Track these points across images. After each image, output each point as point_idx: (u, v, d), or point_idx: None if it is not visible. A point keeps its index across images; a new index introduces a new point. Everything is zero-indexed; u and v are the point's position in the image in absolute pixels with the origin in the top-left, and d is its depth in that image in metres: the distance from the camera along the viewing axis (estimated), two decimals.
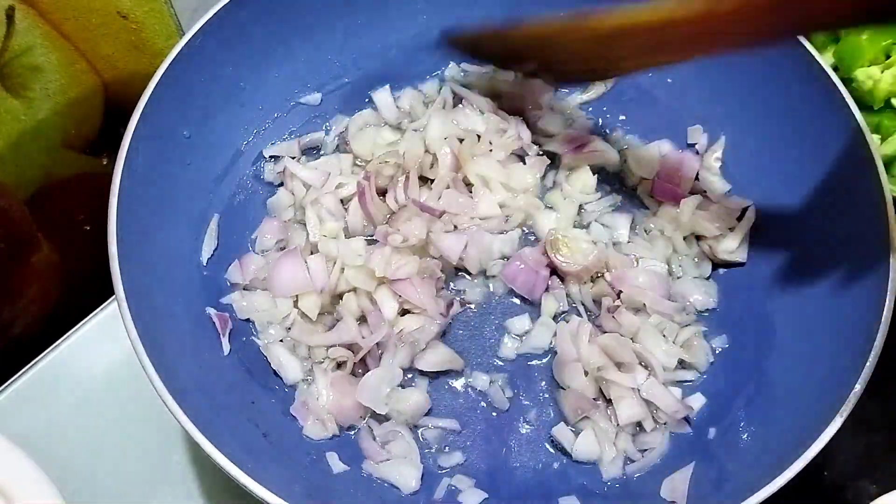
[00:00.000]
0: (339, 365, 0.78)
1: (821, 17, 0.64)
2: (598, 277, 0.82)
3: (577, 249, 0.82)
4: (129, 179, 0.71)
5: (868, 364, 0.64)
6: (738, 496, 0.61)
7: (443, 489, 0.74)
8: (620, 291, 0.80)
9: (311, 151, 0.90)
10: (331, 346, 0.78)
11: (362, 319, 0.79)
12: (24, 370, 0.83)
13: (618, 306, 0.80)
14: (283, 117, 0.89)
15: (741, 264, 0.83)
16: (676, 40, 0.69)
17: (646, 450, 0.75)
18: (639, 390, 0.76)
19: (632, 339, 0.79)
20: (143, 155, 0.73)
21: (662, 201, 0.86)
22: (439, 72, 0.94)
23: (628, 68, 0.80)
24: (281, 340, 0.79)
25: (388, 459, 0.74)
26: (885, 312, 0.66)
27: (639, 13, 0.70)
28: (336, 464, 0.74)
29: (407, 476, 0.73)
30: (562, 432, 0.76)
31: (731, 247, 0.82)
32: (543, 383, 0.79)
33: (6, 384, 0.83)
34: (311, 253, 0.81)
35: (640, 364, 0.77)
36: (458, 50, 0.87)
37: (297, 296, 0.79)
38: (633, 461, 0.75)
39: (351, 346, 0.77)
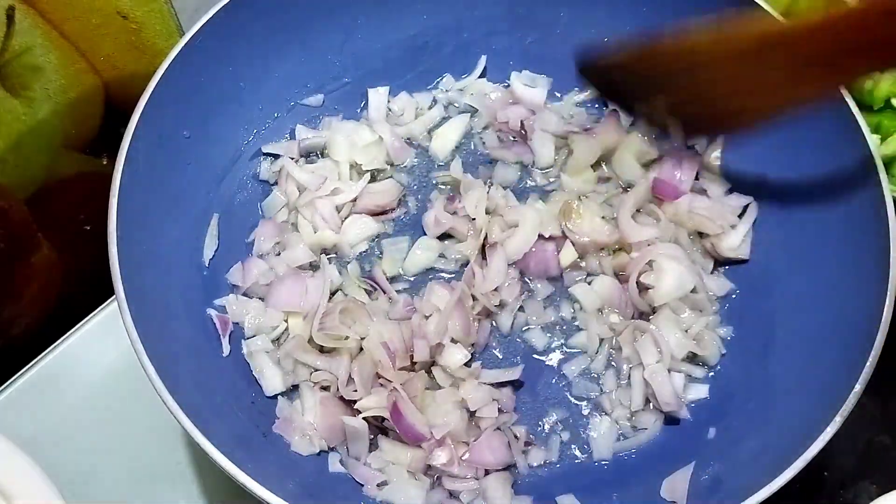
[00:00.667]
0: (324, 388, 0.77)
1: None
2: (618, 250, 0.83)
3: (591, 221, 0.82)
4: (129, 179, 0.71)
5: (868, 364, 0.64)
6: (739, 496, 0.61)
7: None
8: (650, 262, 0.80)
9: (311, 157, 0.90)
10: (317, 370, 0.77)
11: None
12: (24, 370, 0.83)
13: (648, 288, 0.80)
14: (282, 117, 0.89)
15: (744, 261, 0.83)
16: (838, 50, 0.58)
17: (638, 428, 0.76)
18: (644, 368, 0.77)
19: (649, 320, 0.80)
20: (143, 155, 0.73)
21: (663, 199, 0.86)
22: (436, 82, 0.94)
23: (779, 102, 0.67)
24: (267, 351, 0.78)
25: (386, 483, 0.73)
26: (885, 312, 0.66)
27: (807, 15, 0.59)
28: (338, 467, 0.74)
29: (413, 497, 0.72)
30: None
31: (734, 243, 0.82)
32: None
33: (6, 384, 0.83)
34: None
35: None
36: (591, 81, 0.77)
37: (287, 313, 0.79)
38: (625, 437, 0.76)
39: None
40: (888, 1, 0.55)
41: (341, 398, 0.75)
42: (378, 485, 0.73)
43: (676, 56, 0.68)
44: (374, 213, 0.87)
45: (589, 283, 0.82)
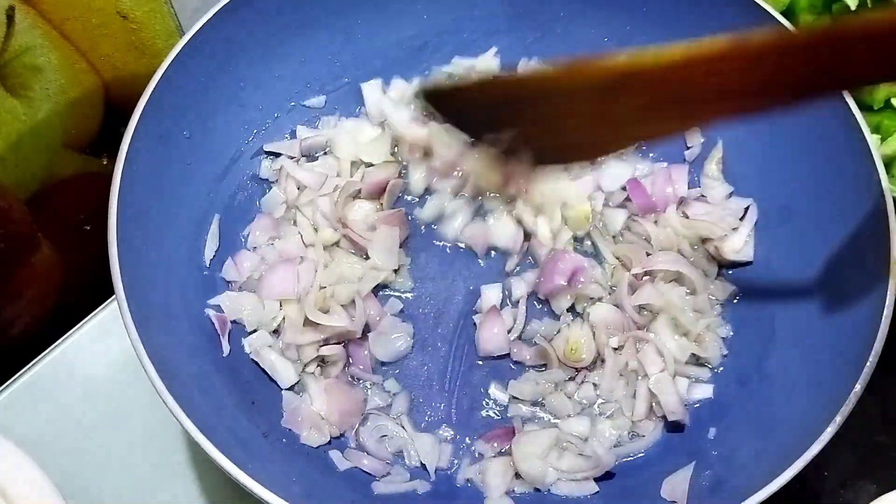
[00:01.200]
0: (328, 366, 0.78)
1: (869, 67, 0.52)
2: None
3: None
4: (129, 179, 0.71)
5: (868, 364, 0.64)
6: (739, 496, 0.61)
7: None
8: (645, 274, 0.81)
9: (312, 156, 0.90)
10: (322, 345, 0.78)
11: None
12: (24, 370, 0.83)
13: (646, 275, 0.81)
14: (282, 117, 0.89)
15: (748, 263, 0.83)
16: (696, 92, 0.56)
17: (639, 435, 0.76)
18: (649, 378, 0.77)
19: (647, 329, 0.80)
20: (143, 155, 0.73)
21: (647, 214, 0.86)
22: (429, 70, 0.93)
23: (633, 137, 0.65)
24: (270, 345, 0.78)
25: (389, 473, 0.74)
26: (885, 312, 0.66)
27: (652, 53, 0.55)
28: (341, 462, 0.74)
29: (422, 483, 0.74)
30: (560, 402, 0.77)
31: (737, 246, 0.82)
32: None
33: (6, 384, 0.83)
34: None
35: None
36: (432, 106, 0.69)
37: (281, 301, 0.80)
38: (621, 444, 0.76)
39: (343, 342, 0.78)
40: (764, 42, 0.52)
41: (346, 380, 0.77)
42: (382, 477, 0.73)
43: (525, 87, 0.63)
44: (375, 196, 0.87)
45: (583, 315, 0.81)
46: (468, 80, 0.68)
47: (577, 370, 0.78)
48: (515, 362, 0.80)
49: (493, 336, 0.79)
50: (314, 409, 0.75)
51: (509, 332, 0.80)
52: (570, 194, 0.86)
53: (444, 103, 0.67)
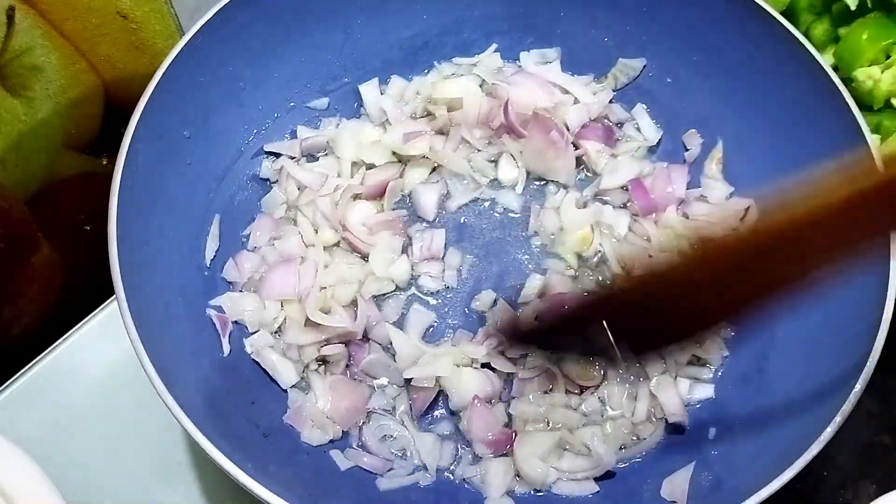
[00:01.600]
0: (330, 365, 0.78)
1: None
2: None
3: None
4: (129, 179, 0.71)
5: (868, 364, 0.64)
6: (739, 496, 0.61)
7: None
8: None
9: (312, 156, 0.90)
10: (324, 345, 0.78)
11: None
12: (24, 370, 0.83)
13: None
14: (283, 117, 0.89)
15: None
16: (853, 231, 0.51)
17: (638, 437, 0.76)
18: (650, 381, 0.77)
19: None
20: (143, 155, 0.73)
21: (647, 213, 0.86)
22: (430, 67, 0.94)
23: (750, 307, 0.59)
24: (271, 346, 0.78)
25: (392, 469, 0.74)
26: (885, 312, 0.66)
27: (779, 212, 0.51)
28: (342, 461, 0.74)
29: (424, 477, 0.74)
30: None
31: None
32: None
33: (6, 384, 0.83)
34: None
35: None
36: (513, 341, 0.67)
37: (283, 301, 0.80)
38: (624, 448, 0.76)
39: (345, 342, 0.78)
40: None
41: (350, 376, 0.77)
42: (387, 472, 0.74)
43: (634, 294, 0.61)
44: (375, 196, 0.87)
45: None
46: (558, 304, 0.65)
47: (584, 388, 0.78)
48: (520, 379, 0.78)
49: (485, 426, 0.75)
50: (319, 406, 0.75)
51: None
52: (569, 220, 0.85)
53: (526, 337, 0.65)
